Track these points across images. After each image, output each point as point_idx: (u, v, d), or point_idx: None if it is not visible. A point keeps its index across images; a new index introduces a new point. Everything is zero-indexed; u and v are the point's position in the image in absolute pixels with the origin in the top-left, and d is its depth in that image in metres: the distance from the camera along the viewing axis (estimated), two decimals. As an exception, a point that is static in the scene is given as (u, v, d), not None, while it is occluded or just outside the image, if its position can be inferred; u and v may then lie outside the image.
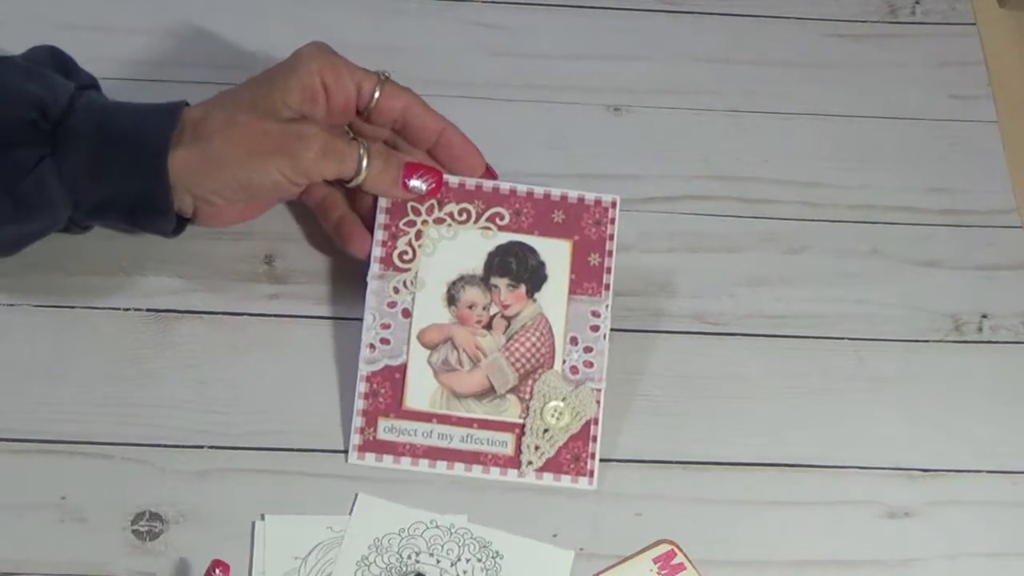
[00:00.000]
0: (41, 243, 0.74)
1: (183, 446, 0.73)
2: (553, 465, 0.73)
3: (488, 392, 0.74)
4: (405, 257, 0.75)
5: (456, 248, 0.76)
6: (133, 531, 0.70)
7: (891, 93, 0.88)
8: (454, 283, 0.75)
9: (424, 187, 0.74)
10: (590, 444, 0.73)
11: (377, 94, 0.74)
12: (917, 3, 0.92)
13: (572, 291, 0.75)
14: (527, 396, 0.74)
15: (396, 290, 0.75)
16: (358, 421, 0.73)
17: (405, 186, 0.74)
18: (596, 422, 0.74)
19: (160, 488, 0.71)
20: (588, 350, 0.75)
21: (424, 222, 0.76)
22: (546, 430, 0.73)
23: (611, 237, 0.76)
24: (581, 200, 0.76)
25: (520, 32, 0.89)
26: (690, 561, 0.72)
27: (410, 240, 0.75)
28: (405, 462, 0.73)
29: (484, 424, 0.74)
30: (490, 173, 0.78)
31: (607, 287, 0.75)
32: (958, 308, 0.81)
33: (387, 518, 0.72)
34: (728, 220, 0.83)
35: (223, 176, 0.70)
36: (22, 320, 0.75)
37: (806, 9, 0.91)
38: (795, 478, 0.75)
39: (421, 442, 0.73)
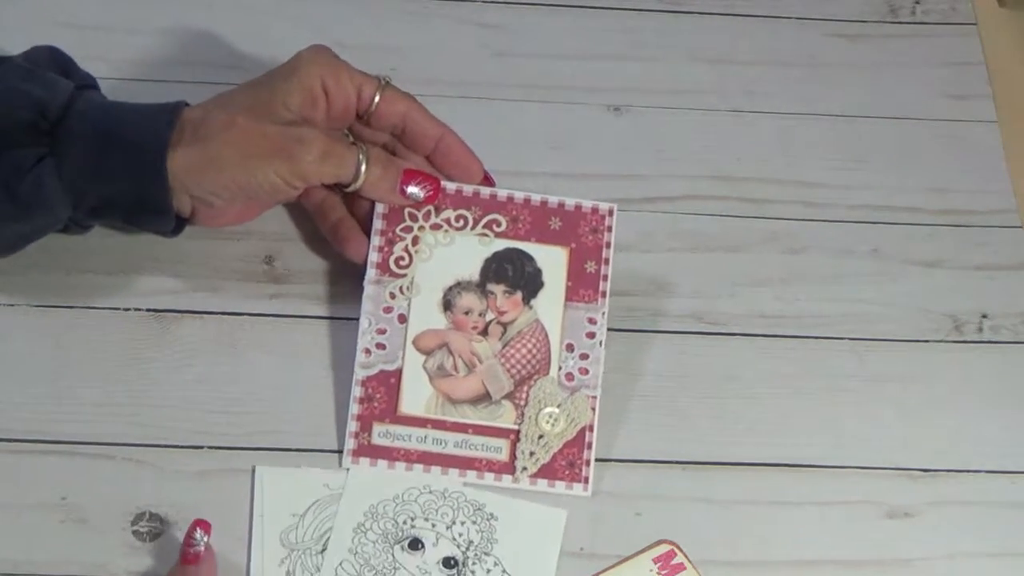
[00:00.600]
0: (41, 243, 0.74)
1: (183, 446, 0.73)
2: (548, 471, 0.73)
3: (483, 398, 0.74)
4: (402, 262, 0.75)
5: (453, 254, 0.76)
6: (133, 531, 0.70)
7: (891, 93, 0.88)
8: (450, 289, 0.75)
9: (422, 194, 0.74)
10: (585, 451, 0.73)
11: (377, 98, 0.74)
12: (917, 3, 0.92)
13: (568, 298, 0.75)
14: (522, 402, 0.74)
15: (392, 295, 0.75)
16: (353, 426, 0.73)
17: (403, 192, 0.74)
18: (591, 429, 0.74)
19: (160, 488, 0.71)
20: (584, 357, 0.75)
21: (421, 228, 0.76)
22: (541, 436, 0.73)
23: (608, 245, 0.76)
24: (578, 208, 0.76)
25: (520, 32, 0.89)
26: (690, 561, 0.72)
27: (407, 246, 0.75)
28: (399, 467, 0.73)
29: (479, 430, 0.73)
30: (488, 180, 0.78)
31: (603, 294, 0.75)
32: (958, 308, 0.81)
33: (382, 485, 0.72)
34: (728, 220, 0.83)
35: (222, 177, 0.70)
36: (22, 320, 0.75)
37: (806, 9, 0.91)
38: (795, 478, 0.75)
39: (416, 447, 0.73)
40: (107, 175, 0.70)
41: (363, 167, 0.73)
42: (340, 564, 0.70)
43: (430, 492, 0.72)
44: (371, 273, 0.75)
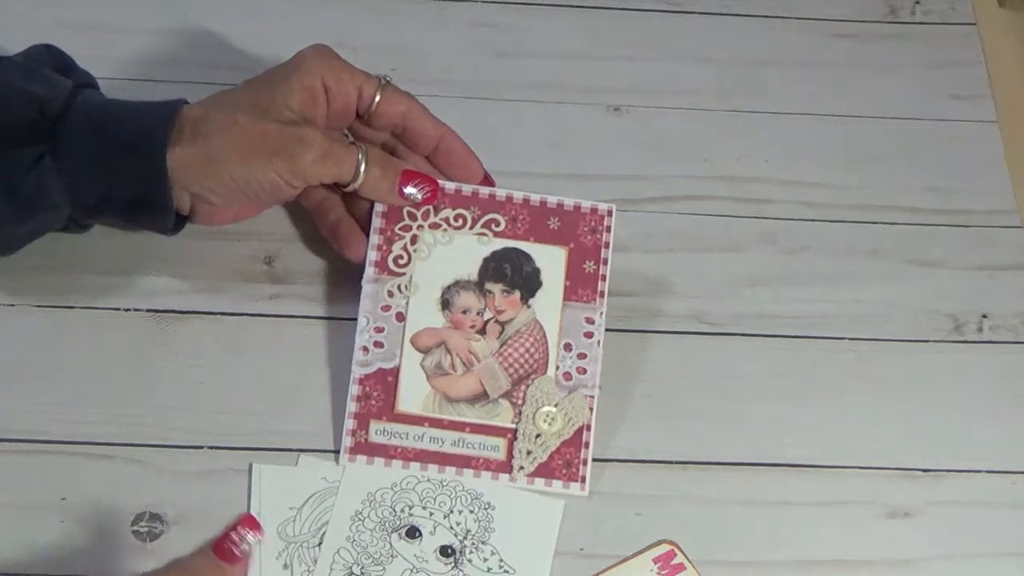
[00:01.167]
0: (41, 243, 0.74)
1: (183, 446, 0.73)
2: (545, 470, 0.73)
3: (481, 397, 0.74)
4: (400, 261, 0.75)
5: (451, 253, 0.76)
6: (133, 531, 0.70)
7: (891, 93, 0.88)
8: (449, 288, 0.75)
9: (420, 195, 0.75)
10: (582, 450, 0.73)
11: (378, 98, 0.74)
12: (917, 3, 0.92)
13: (567, 298, 0.75)
14: (520, 401, 0.74)
15: (390, 294, 0.75)
16: (350, 423, 0.73)
17: (401, 193, 0.74)
18: (589, 428, 0.74)
19: (160, 488, 0.71)
20: (582, 356, 0.75)
21: (420, 227, 0.76)
22: (538, 435, 0.73)
23: (607, 245, 0.76)
24: (577, 208, 0.76)
25: (520, 32, 0.89)
26: (690, 561, 0.72)
27: (405, 244, 0.75)
28: (396, 465, 0.73)
29: (476, 428, 0.74)
30: (488, 180, 0.78)
31: (602, 294, 0.75)
32: (958, 308, 0.81)
33: (379, 473, 0.72)
34: (728, 220, 0.83)
35: (221, 175, 0.70)
36: (22, 320, 0.75)
37: (806, 9, 0.91)
38: (795, 478, 0.75)
39: (412, 445, 0.73)
40: (107, 173, 0.70)
41: (362, 167, 0.73)
42: (337, 552, 0.70)
43: (428, 481, 0.72)
44: (369, 272, 0.75)
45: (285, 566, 0.70)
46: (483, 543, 0.71)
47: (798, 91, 0.88)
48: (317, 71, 0.73)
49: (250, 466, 0.72)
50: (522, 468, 0.73)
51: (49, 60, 0.74)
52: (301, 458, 0.73)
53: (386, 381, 0.74)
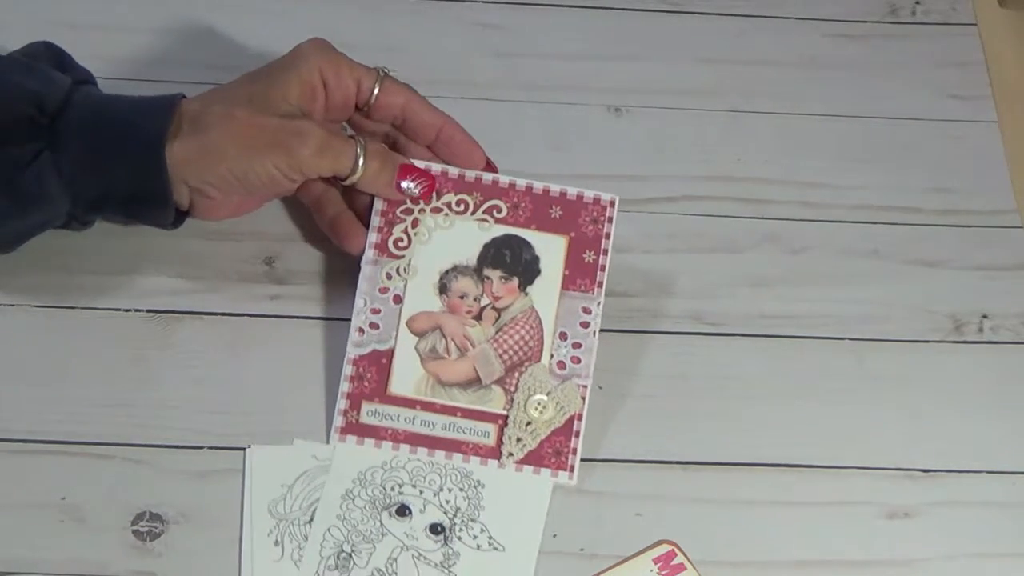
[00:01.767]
0: (41, 243, 0.74)
1: (183, 446, 0.73)
2: (534, 458, 0.73)
3: (474, 382, 0.74)
4: (400, 244, 0.75)
5: (452, 238, 0.76)
6: (133, 531, 0.70)
7: (891, 93, 0.88)
8: (447, 272, 0.75)
9: (416, 191, 0.75)
10: (572, 439, 0.73)
11: (376, 90, 0.74)
12: (917, 3, 0.92)
13: (565, 287, 0.75)
14: (512, 388, 0.74)
15: (389, 276, 0.75)
16: (342, 403, 0.73)
17: (398, 187, 0.74)
18: (580, 418, 0.74)
19: (160, 488, 0.71)
20: (577, 346, 0.75)
21: (422, 210, 0.76)
22: (529, 423, 0.73)
23: (607, 236, 0.76)
24: (580, 197, 0.77)
25: (520, 32, 0.89)
26: (690, 561, 0.72)
27: (406, 228, 0.75)
28: (386, 447, 0.73)
29: (468, 413, 0.74)
30: (491, 167, 0.78)
31: (600, 285, 0.75)
32: (958, 308, 0.81)
33: (369, 452, 0.73)
34: (728, 220, 0.83)
35: (220, 168, 0.70)
36: (22, 320, 0.75)
37: (806, 9, 0.91)
38: (795, 478, 0.75)
39: (404, 428, 0.73)
40: (106, 167, 0.70)
41: (361, 160, 0.73)
42: (328, 530, 0.70)
43: (418, 459, 0.73)
44: (369, 253, 0.75)
45: (276, 543, 0.70)
46: (473, 520, 0.72)
47: (798, 91, 0.88)
48: (315, 64, 0.73)
49: (245, 448, 0.72)
50: (511, 455, 0.73)
51: (47, 57, 0.74)
52: (295, 440, 0.73)
53: (380, 363, 0.74)
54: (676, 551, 0.72)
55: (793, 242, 0.82)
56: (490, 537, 0.71)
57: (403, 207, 0.76)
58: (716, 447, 0.75)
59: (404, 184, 0.74)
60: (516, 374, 0.74)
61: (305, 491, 0.71)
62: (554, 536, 0.72)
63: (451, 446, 0.73)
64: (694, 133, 0.86)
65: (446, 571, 0.70)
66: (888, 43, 0.91)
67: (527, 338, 0.75)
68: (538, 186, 0.77)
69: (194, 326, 0.76)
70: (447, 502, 0.72)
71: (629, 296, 0.79)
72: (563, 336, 0.75)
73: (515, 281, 0.75)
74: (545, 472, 0.73)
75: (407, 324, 0.74)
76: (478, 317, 0.75)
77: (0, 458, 0.71)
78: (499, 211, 0.76)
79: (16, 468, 0.71)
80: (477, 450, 0.73)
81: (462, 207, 0.76)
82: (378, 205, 0.75)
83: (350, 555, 0.70)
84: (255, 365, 0.75)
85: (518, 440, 0.73)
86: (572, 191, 0.77)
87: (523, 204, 0.76)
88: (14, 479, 0.71)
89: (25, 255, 0.74)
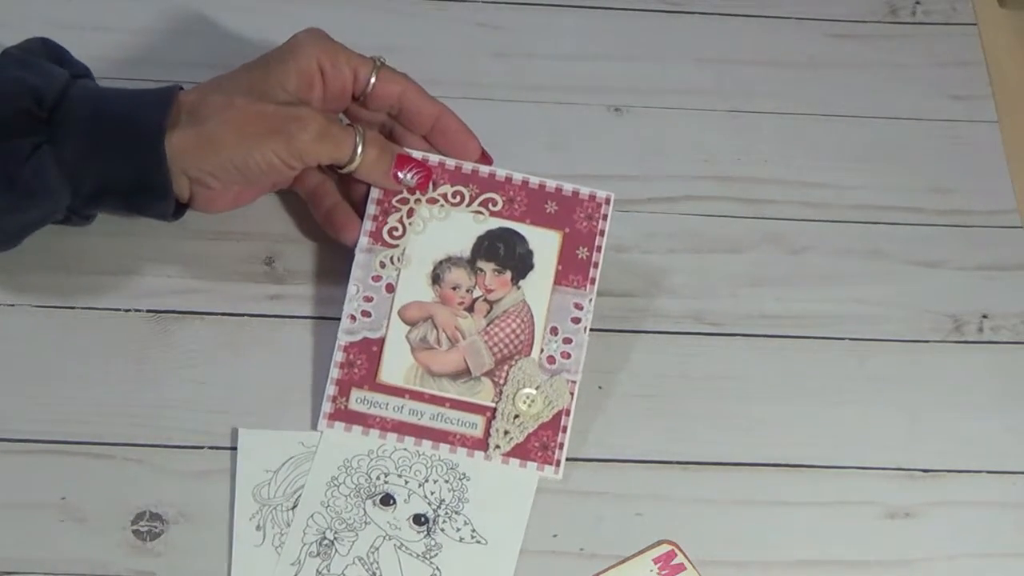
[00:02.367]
0: (42, 243, 0.74)
1: (183, 446, 0.73)
2: (521, 451, 0.73)
3: (463, 373, 0.74)
4: (395, 233, 0.75)
5: (446, 229, 0.76)
6: (133, 531, 0.70)
7: (891, 93, 0.88)
8: (440, 263, 0.76)
9: (413, 180, 0.75)
10: (560, 434, 0.73)
11: (373, 79, 0.75)
12: (917, 3, 0.92)
13: (557, 282, 0.76)
14: (501, 381, 0.74)
15: (382, 264, 0.75)
16: (331, 389, 0.73)
17: (395, 177, 0.75)
18: (568, 413, 0.74)
19: (160, 488, 0.71)
20: (567, 341, 0.75)
21: (417, 200, 0.76)
22: (516, 416, 0.74)
23: (602, 233, 0.76)
24: (575, 193, 0.77)
25: (520, 32, 0.89)
26: (690, 561, 0.72)
27: (402, 217, 0.76)
28: (373, 434, 0.73)
29: (456, 404, 0.74)
30: (486, 158, 0.78)
31: (592, 281, 0.76)
32: (958, 308, 0.81)
33: (356, 440, 0.73)
34: (728, 220, 0.83)
35: (219, 157, 0.70)
36: (23, 320, 0.75)
37: (806, 9, 0.91)
38: (795, 478, 0.75)
39: (392, 416, 0.73)
40: (105, 160, 0.70)
41: (359, 148, 0.73)
42: (311, 516, 0.71)
43: (404, 449, 0.73)
44: (363, 241, 0.75)
45: (258, 528, 0.70)
46: (456, 512, 0.72)
47: (798, 91, 0.88)
48: (312, 53, 0.73)
49: (234, 430, 0.72)
50: (498, 447, 0.73)
51: (45, 53, 0.74)
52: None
53: (371, 350, 0.74)
54: (676, 551, 0.72)
55: (793, 242, 0.82)
56: (473, 530, 0.71)
57: (399, 196, 0.76)
58: (716, 447, 0.75)
59: (401, 174, 0.75)
60: (506, 367, 0.74)
61: (290, 477, 0.72)
62: (554, 536, 0.72)
63: (438, 436, 0.73)
64: (694, 133, 0.86)
65: (427, 562, 0.70)
66: (888, 43, 0.91)
67: (518, 331, 0.75)
68: (534, 181, 0.77)
69: (194, 326, 0.76)
70: (432, 493, 0.72)
71: (629, 296, 0.79)
72: (554, 331, 0.75)
73: (508, 274, 0.76)
74: (531, 466, 0.73)
75: (399, 313, 0.75)
76: (470, 309, 0.75)
77: (0, 458, 0.71)
78: (495, 204, 0.76)
79: (16, 468, 0.71)
80: (464, 441, 0.73)
81: (458, 199, 0.76)
82: (374, 194, 0.76)
83: (332, 542, 0.70)
84: (255, 365, 0.75)
85: (505, 433, 0.73)
86: (568, 187, 0.77)
87: (519, 198, 0.76)
88: (14, 479, 0.71)
89: (25, 255, 0.74)
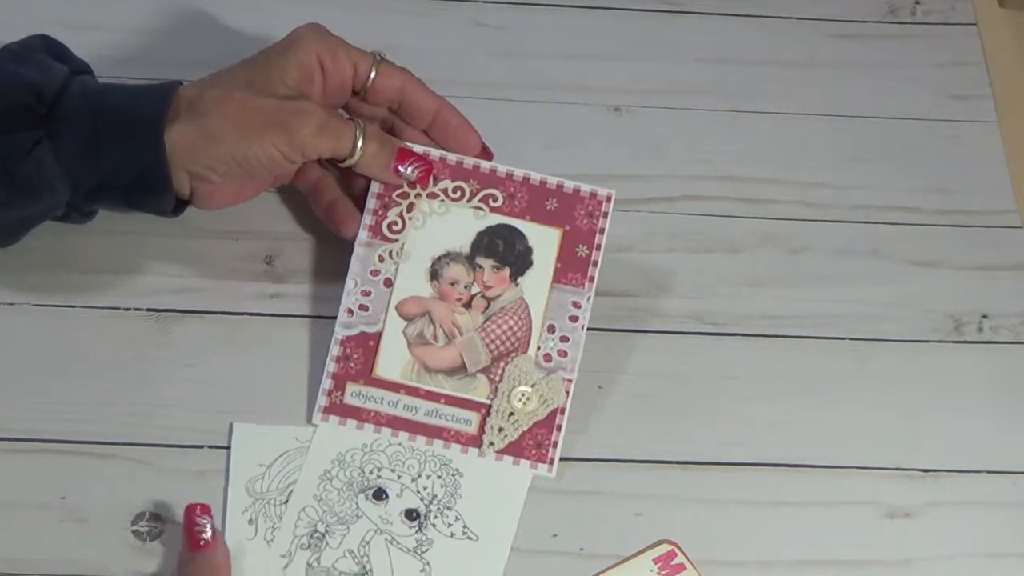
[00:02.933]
0: (42, 243, 0.74)
1: (183, 446, 0.73)
2: (515, 449, 0.73)
3: (459, 369, 0.74)
4: (394, 227, 0.75)
5: (446, 224, 0.76)
6: (133, 531, 0.70)
7: (891, 93, 0.88)
8: (439, 258, 0.76)
9: (414, 175, 0.75)
10: (554, 432, 0.74)
11: (373, 74, 0.75)
12: (917, 3, 0.92)
13: (556, 279, 0.76)
14: (497, 378, 0.74)
15: (381, 259, 0.75)
16: (327, 383, 0.74)
17: (396, 171, 0.75)
18: (563, 411, 0.74)
19: (160, 488, 0.71)
20: (564, 339, 0.75)
21: (418, 195, 0.76)
22: (511, 413, 0.74)
23: (602, 231, 0.76)
24: (576, 191, 0.77)
25: (520, 32, 0.89)
26: (690, 561, 0.72)
27: (401, 211, 0.76)
28: (368, 429, 0.73)
29: (451, 400, 0.74)
30: (486, 153, 0.78)
31: (591, 280, 0.76)
32: (958, 308, 0.81)
33: (350, 434, 0.73)
34: (728, 220, 0.83)
35: (220, 151, 0.70)
36: (23, 319, 0.75)
37: (806, 9, 0.91)
38: (795, 478, 0.75)
39: (387, 411, 0.73)
40: (105, 155, 0.70)
41: (360, 142, 0.73)
42: (303, 510, 0.71)
43: (398, 444, 0.73)
44: (363, 235, 0.75)
45: (250, 521, 0.70)
46: (448, 508, 0.72)
47: (798, 91, 0.88)
48: (312, 48, 0.73)
49: (230, 425, 0.72)
50: (492, 444, 0.73)
51: (45, 49, 0.74)
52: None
53: (367, 345, 0.74)
54: (676, 551, 0.72)
55: (793, 242, 0.82)
56: (464, 526, 0.71)
57: (399, 191, 0.76)
58: (716, 447, 0.75)
59: (402, 168, 0.75)
60: (502, 364, 0.74)
61: (283, 472, 0.72)
62: (554, 536, 0.72)
63: (433, 432, 0.73)
64: (694, 133, 0.86)
65: (418, 557, 0.70)
66: (888, 43, 0.91)
67: (515, 329, 0.75)
68: (535, 177, 0.77)
69: (194, 325, 0.76)
70: (424, 488, 0.72)
71: (629, 295, 0.79)
72: (551, 329, 0.75)
73: (506, 271, 0.76)
74: (525, 463, 0.73)
75: (396, 308, 0.75)
76: (468, 305, 0.75)
77: (0, 458, 0.71)
78: (495, 200, 0.76)
79: (16, 468, 0.71)
80: (458, 437, 0.73)
81: (458, 194, 0.76)
82: (374, 188, 0.76)
83: (323, 535, 0.70)
84: (255, 364, 0.75)
85: (500, 430, 0.73)
86: (569, 184, 0.77)
87: (519, 195, 0.76)
88: (14, 479, 0.71)
89: (25, 254, 0.74)
